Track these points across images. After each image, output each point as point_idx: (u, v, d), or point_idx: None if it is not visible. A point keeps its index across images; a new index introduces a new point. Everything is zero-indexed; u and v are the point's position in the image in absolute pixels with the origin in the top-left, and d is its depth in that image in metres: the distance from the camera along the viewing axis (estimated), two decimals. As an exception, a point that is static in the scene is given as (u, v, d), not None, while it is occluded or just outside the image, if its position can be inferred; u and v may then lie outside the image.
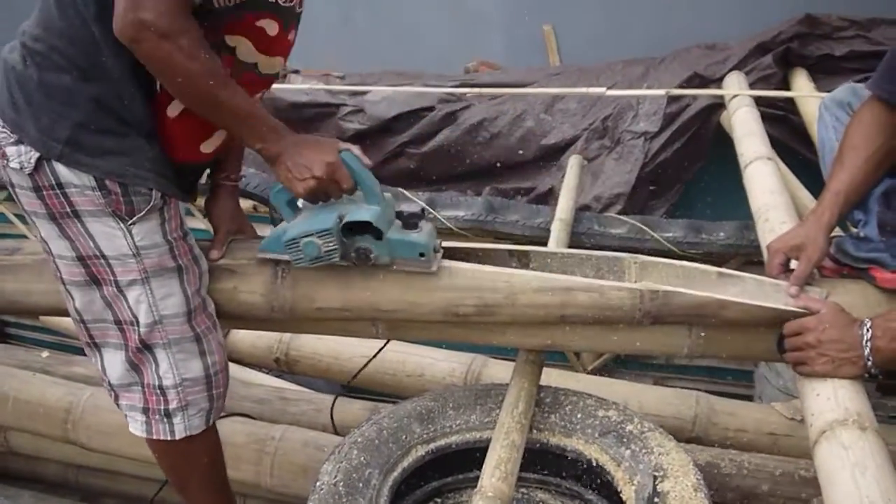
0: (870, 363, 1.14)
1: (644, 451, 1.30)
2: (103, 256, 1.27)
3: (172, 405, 1.36)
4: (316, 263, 1.30)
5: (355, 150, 1.30)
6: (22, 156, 1.21)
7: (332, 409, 1.82)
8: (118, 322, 1.32)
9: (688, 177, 2.81)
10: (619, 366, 2.57)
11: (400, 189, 2.64)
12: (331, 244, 1.28)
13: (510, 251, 1.42)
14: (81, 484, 2.15)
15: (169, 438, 1.38)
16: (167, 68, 1.15)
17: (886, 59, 1.32)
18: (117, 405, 1.40)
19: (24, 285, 1.46)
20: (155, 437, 1.38)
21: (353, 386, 2.23)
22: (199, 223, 2.83)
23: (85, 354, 1.42)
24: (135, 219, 1.26)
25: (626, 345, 1.42)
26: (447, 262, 1.35)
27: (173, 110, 1.27)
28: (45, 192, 1.23)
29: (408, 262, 1.32)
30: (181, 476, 1.51)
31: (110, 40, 1.16)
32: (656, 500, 1.19)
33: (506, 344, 1.47)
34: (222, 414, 1.58)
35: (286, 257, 1.33)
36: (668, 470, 1.24)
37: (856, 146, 1.33)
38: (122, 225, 1.26)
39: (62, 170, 1.21)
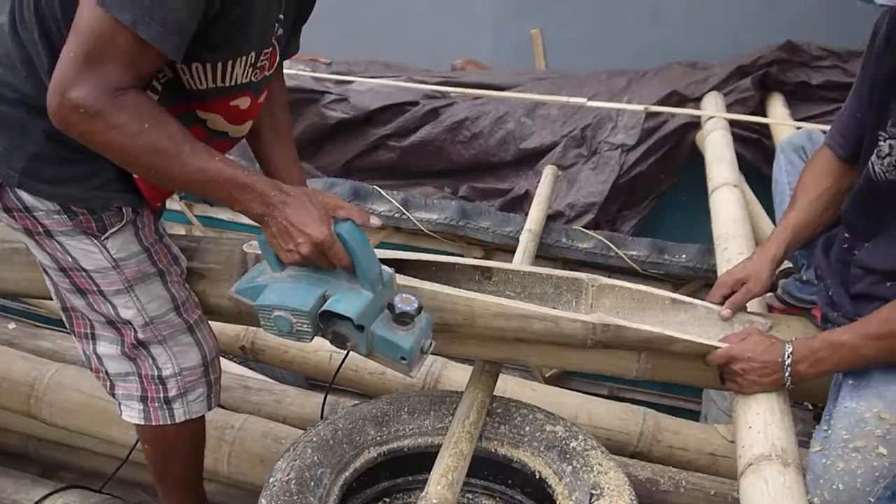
0: (788, 382, 1.24)
1: (585, 468, 1.35)
2: (83, 270, 1.27)
3: (172, 393, 1.37)
4: (285, 337, 1.19)
5: (357, 216, 1.16)
6: None
7: (323, 404, 1.80)
8: (111, 322, 1.33)
9: (660, 191, 2.88)
10: (576, 375, 2.64)
11: (376, 187, 2.67)
12: (304, 325, 1.15)
13: (474, 266, 1.47)
14: (41, 456, 2.17)
15: (169, 423, 1.39)
16: (105, 149, 1.06)
17: (837, 116, 1.39)
18: (112, 394, 1.41)
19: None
20: (154, 423, 1.39)
21: (315, 379, 2.28)
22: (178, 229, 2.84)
23: (56, 326, 1.40)
24: (108, 234, 1.24)
25: (579, 363, 1.49)
26: (408, 280, 1.34)
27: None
28: (14, 213, 1.23)
29: (386, 360, 1.20)
30: (165, 463, 1.51)
31: None
32: (591, 517, 1.25)
33: (466, 355, 1.53)
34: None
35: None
36: (605, 489, 1.30)
37: (805, 188, 1.42)
38: (96, 241, 1.24)
39: (25, 196, 1.20)
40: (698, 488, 1.70)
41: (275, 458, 1.38)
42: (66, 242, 1.24)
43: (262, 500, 1.28)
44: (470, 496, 1.53)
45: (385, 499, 1.53)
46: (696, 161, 2.65)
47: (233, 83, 1.19)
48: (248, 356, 2.17)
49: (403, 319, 1.17)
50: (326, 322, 1.17)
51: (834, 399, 1.30)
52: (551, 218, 2.62)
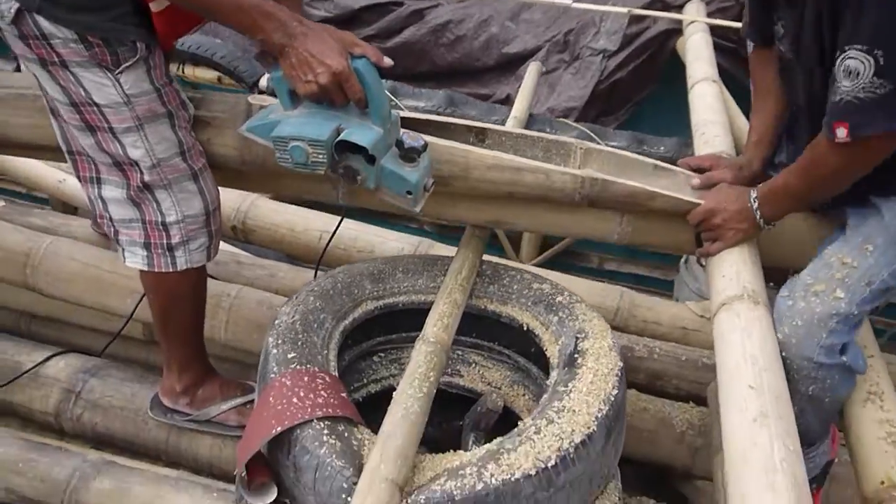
0: (762, 222, 1.36)
1: (570, 317, 1.45)
2: (95, 104, 1.29)
3: (175, 240, 1.42)
4: (299, 169, 1.24)
5: (371, 53, 1.21)
6: (3, 4, 1.21)
7: (314, 277, 1.87)
8: (118, 164, 1.36)
9: (640, 98, 2.94)
10: (555, 266, 2.74)
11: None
12: (320, 156, 1.21)
13: (469, 127, 1.52)
14: (32, 332, 2.19)
15: (171, 270, 1.44)
16: None
17: (746, 12, 1.51)
18: (116, 240, 1.45)
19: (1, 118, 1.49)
20: (157, 269, 1.44)
21: (304, 261, 2.34)
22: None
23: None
24: (122, 68, 1.26)
25: (565, 226, 1.57)
26: (408, 132, 1.38)
27: (157, 6, 1.25)
28: (30, 41, 1.24)
29: (392, 195, 1.29)
30: (168, 313, 1.56)
31: None
32: (576, 356, 1.35)
33: (455, 218, 1.59)
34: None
35: (270, 146, 1.26)
36: (589, 332, 1.39)
37: (759, 91, 1.52)
38: (109, 75, 1.26)
39: (43, 22, 1.21)
40: (671, 355, 1.82)
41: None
42: (81, 74, 1.26)
43: (270, 339, 1.35)
44: (459, 352, 1.63)
45: (380, 353, 1.62)
46: (676, 69, 2.70)
47: None
48: (239, 237, 2.21)
49: (411, 155, 1.25)
50: (340, 154, 1.23)
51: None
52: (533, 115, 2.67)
